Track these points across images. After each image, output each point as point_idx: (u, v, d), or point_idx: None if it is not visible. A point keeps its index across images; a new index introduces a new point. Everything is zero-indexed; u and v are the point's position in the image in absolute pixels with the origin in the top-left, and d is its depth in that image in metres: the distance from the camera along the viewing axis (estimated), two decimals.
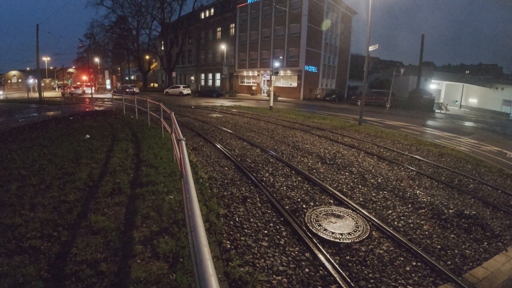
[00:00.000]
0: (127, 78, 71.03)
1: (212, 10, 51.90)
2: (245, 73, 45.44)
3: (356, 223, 4.59)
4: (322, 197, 5.57)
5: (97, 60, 59.82)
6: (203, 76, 54.27)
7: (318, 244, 3.94)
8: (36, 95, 34.00)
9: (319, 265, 3.55)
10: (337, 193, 5.69)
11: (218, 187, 5.88)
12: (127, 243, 3.53)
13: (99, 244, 3.45)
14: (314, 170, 7.18)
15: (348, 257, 3.78)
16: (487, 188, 6.65)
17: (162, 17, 52.29)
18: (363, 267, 3.58)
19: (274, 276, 3.34)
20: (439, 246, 4.11)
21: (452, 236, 4.42)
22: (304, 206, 5.17)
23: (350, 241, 4.09)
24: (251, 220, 4.60)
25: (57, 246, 3.41)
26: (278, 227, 4.42)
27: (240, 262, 3.48)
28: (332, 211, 4.98)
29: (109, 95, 37.80)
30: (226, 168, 7.05)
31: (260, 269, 3.44)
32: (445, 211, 5.19)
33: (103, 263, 3.11)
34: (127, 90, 43.93)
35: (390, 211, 5.12)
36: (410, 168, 7.66)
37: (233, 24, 46.51)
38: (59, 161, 6.70)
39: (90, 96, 30.31)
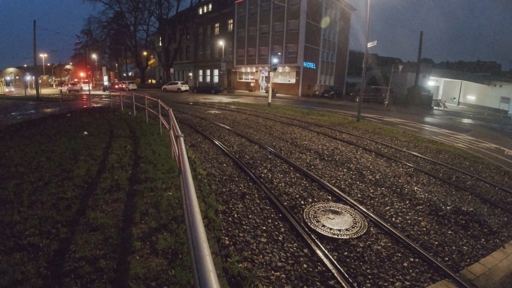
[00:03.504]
0: (124, 75, 70.77)
1: (210, 6, 51.56)
2: (243, 70, 45.31)
3: (354, 219, 4.61)
4: (320, 194, 5.58)
5: (94, 56, 59.46)
6: (201, 72, 54.05)
7: (316, 240, 3.96)
8: (34, 92, 33.80)
9: (317, 261, 3.57)
10: (335, 189, 5.70)
11: (217, 183, 5.88)
12: (126, 239, 3.53)
13: (98, 241, 3.45)
14: (312, 167, 7.19)
15: (346, 253, 3.80)
16: (484, 185, 6.68)
17: (160, 12, 52.07)
18: (361, 263, 3.60)
19: (273, 272, 3.35)
20: (436, 243, 4.14)
21: (450, 232, 4.45)
22: (302, 202, 5.18)
23: (348, 237, 4.11)
24: (250, 216, 4.61)
25: (56, 243, 3.41)
26: (276, 223, 4.43)
27: (238, 258, 3.49)
28: (330, 207, 5.00)
29: (106, 92, 37.65)
30: (225, 165, 7.05)
31: (258, 265, 3.45)
32: (443, 207, 5.22)
33: (102, 259, 3.12)
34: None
35: (388, 208, 5.14)
36: (408, 164, 7.68)
37: (231, 20, 46.26)
38: (57, 158, 6.68)
39: (87, 92, 30.16)
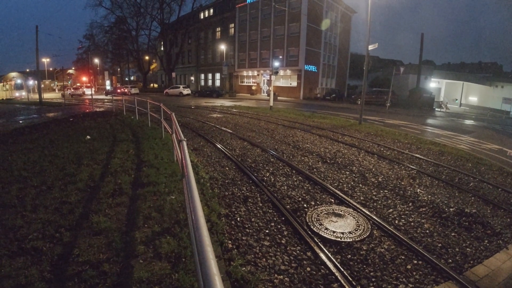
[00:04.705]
0: (126, 79, 71.10)
1: (212, 10, 51.89)
2: (245, 73, 45.44)
3: (357, 222, 4.60)
4: (323, 196, 5.58)
5: (96, 61, 59.87)
6: (203, 76, 54.27)
7: (319, 243, 3.95)
8: (36, 96, 33.94)
9: (321, 264, 3.56)
10: (338, 192, 5.70)
11: (219, 187, 5.89)
12: (129, 243, 3.54)
13: (101, 245, 3.46)
14: (314, 170, 7.19)
15: (350, 256, 3.79)
16: (487, 186, 6.66)
17: (162, 17, 52.38)
18: (365, 266, 3.59)
19: (276, 275, 3.35)
20: (440, 245, 4.12)
21: (453, 234, 4.43)
22: (305, 205, 5.18)
23: (351, 240, 4.11)
24: (253, 219, 4.61)
25: (59, 247, 3.42)
26: (279, 226, 4.43)
27: (242, 261, 3.49)
28: (333, 210, 4.99)
29: (108, 96, 37.84)
30: (227, 168, 7.06)
31: (262, 268, 3.45)
32: (446, 209, 5.20)
33: (105, 263, 3.12)
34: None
35: (391, 210, 5.13)
36: (410, 167, 7.67)
37: (233, 24, 46.50)
38: (60, 162, 6.71)
39: (90, 97, 30.32)
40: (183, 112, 18.51)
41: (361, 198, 5.61)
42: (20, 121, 15.24)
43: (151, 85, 71.27)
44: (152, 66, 70.49)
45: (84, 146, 8.34)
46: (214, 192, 5.51)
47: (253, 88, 42.94)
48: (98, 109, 20.74)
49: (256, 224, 4.47)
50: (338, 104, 31.62)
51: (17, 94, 43.67)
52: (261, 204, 5.15)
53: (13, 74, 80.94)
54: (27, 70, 76.16)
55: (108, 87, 54.93)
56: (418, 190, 6.09)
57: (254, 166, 7.29)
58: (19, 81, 48.50)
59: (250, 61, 44.13)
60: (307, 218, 4.69)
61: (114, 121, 13.78)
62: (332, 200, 5.44)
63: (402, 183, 6.48)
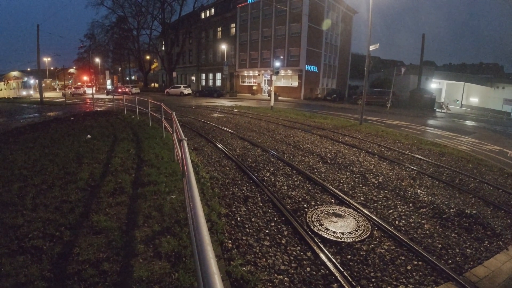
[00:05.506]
0: (127, 78, 71.14)
1: (213, 10, 51.92)
2: (245, 73, 45.42)
3: (357, 222, 4.59)
4: (323, 197, 5.57)
5: (97, 60, 59.89)
6: (203, 76, 54.25)
7: (319, 243, 3.95)
8: (37, 95, 33.91)
9: (321, 264, 3.56)
10: (338, 192, 5.69)
11: (220, 186, 5.89)
12: (129, 242, 3.54)
13: (102, 244, 3.47)
14: (315, 170, 7.19)
15: (350, 256, 3.78)
16: (488, 187, 6.65)
17: (163, 17, 52.38)
18: (365, 266, 3.59)
19: (276, 275, 3.35)
20: (440, 245, 4.12)
21: (453, 235, 4.43)
22: (305, 205, 5.17)
23: (351, 240, 4.10)
24: (253, 219, 4.61)
25: (59, 246, 3.43)
26: (279, 226, 4.43)
27: (241, 261, 3.49)
28: (333, 210, 4.99)
29: (109, 96, 37.86)
30: (228, 168, 7.06)
31: (261, 268, 3.45)
32: (446, 210, 5.20)
33: (105, 262, 3.13)
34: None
35: (391, 211, 5.13)
36: (411, 167, 7.66)
37: (234, 24, 46.49)
38: (61, 161, 6.72)
39: (91, 96, 30.34)
40: (184, 112, 18.52)
41: (362, 198, 5.61)
42: (21, 120, 15.26)
43: (152, 84, 71.30)
44: (153, 66, 70.50)
45: (85, 145, 8.35)
46: (214, 191, 5.51)
47: (254, 88, 42.93)
48: (99, 109, 20.75)
49: (256, 224, 4.47)
50: (339, 105, 31.58)
51: (24, 93, 42.90)
52: (261, 204, 5.15)
53: (14, 73, 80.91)
54: (28, 69, 76.13)
55: (109, 87, 54.96)
56: (419, 190, 6.08)
57: (255, 166, 7.29)
58: (26, 79, 47.76)
59: (251, 61, 44.11)
60: (307, 218, 4.69)
61: (115, 121, 13.79)
62: (333, 201, 5.44)
63: (403, 183, 6.47)
